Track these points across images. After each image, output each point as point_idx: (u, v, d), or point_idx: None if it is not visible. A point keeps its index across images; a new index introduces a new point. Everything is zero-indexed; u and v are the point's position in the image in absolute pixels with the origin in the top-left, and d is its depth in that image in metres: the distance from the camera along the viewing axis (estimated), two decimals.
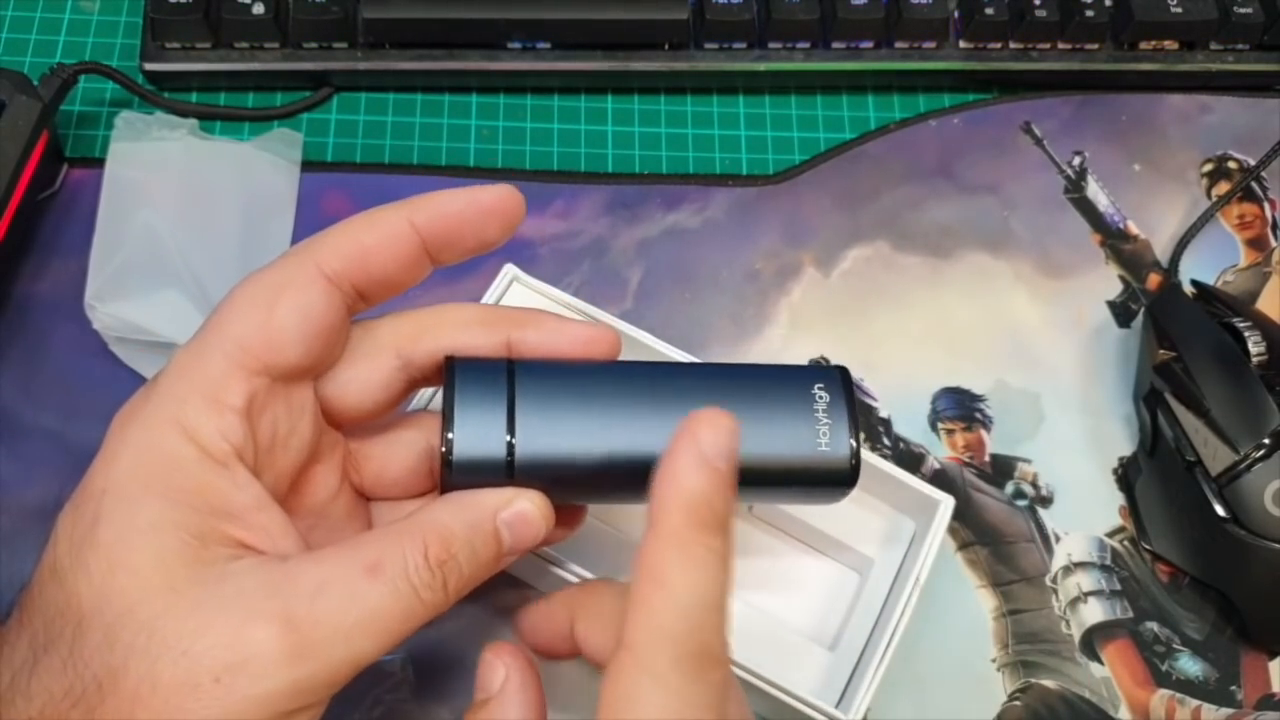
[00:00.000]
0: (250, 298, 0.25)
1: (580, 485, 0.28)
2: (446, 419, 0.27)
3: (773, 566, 0.38)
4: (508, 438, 0.27)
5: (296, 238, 0.43)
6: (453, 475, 0.27)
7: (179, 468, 0.24)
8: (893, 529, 0.37)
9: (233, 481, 0.24)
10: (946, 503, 0.36)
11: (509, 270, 0.38)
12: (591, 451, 0.27)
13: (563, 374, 0.28)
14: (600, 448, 0.27)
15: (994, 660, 0.39)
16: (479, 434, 0.27)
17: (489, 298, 0.37)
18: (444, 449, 0.26)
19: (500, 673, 0.26)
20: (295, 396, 0.26)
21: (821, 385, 0.29)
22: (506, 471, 0.27)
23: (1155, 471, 0.41)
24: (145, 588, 0.22)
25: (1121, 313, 0.45)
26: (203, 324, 0.25)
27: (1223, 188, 0.48)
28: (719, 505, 0.23)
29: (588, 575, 0.34)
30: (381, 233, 0.27)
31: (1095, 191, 0.47)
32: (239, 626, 0.22)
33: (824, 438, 0.28)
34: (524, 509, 0.26)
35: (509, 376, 0.27)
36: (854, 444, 0.29)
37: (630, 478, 0.27)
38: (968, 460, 0.42)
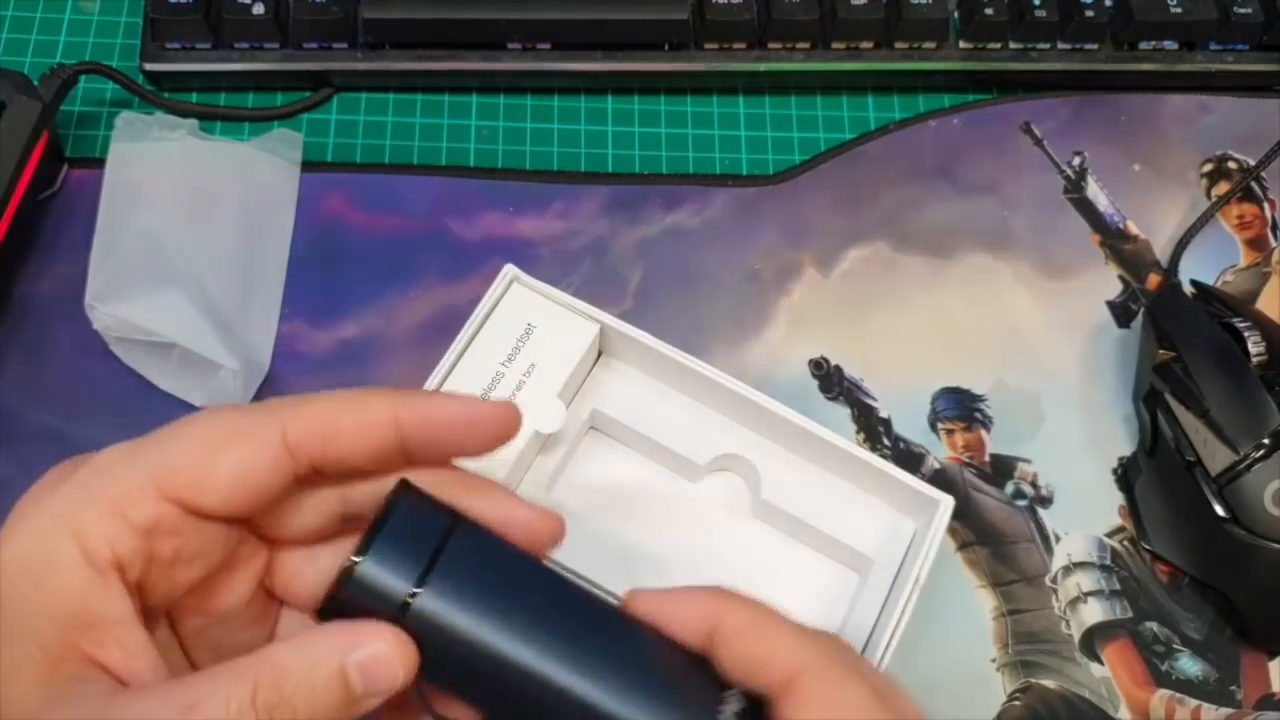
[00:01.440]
0: (203, 433, 0.24)
1: (459, 676, 0.24)
2: (364, 541, 0.24)
3: (772, 566, 0.38)
4: (412, 588, 0.24)
5: (296, 238, 0.43)
6: (339, 596, 0.24)
7: (55, 568, 0.23)
8: (892, 529, 0.37)
9: (104, 592, 0.23)
10: (946, 503, 0.36)
11: (509, 271, 0.38)
12: (487, 648, 0.24)
13: (498, 559, 0.25)
14: (497, 648, 0.24)
15: (994, 660, 0.39)
16: (387, 569, 0.24)
17: (489, 298, 0.37)
18: (344, 566, 0.24)
19: None
20: (212, 528, 0.25)
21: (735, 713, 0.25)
22: (394, 620, 0.24)
23: (1155, 471, 0.41)
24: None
25: (1121, 313, 0.45)
26: (150, 435, 0.24)
27: (1222, 188, 0.48)
28: None
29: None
30: (360, 418, 0.25)
31: (1095, 192, 0.47)
32: None
33: None
34: (378, 651, 0.23)
35: (446, 533, 0.25)
36: None
37: (517, 694, 0.24)
38: (968, 460, 0.42)
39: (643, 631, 0.26)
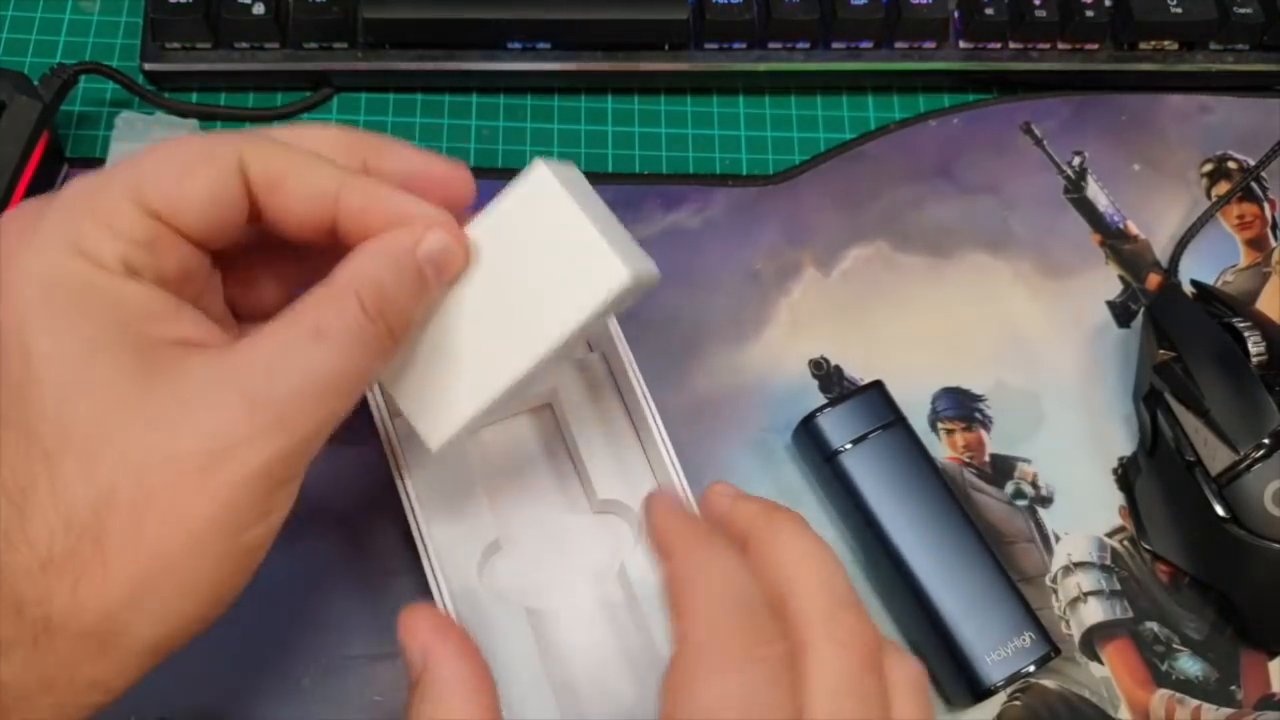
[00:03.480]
0: (168, 155, 0.25)
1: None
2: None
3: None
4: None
5: None
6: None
7: (90, 288, 0.24)
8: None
9: (146, 290, 0.24)
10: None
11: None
12: None
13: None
14: None
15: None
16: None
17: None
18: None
19: (419, 656, 0.27)
20: (190, 249, 0.26)
21: None
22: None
23: (1155, 471, 0.41)
24: (107, 410, 0.23)
25: (1121, 313, 0.45)
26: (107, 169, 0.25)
27: (1223, 188, 0.48)
28: (703, 526, 0.29)
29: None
30: (304, 184, 0.26)
31: (1095, 191, 0.47)
32: (209, 419, 0.23)
33: None
34: (437, 239, 0.27)
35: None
36: None
37: None
38: (968, 460, 0.42)
39: None
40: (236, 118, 0.45)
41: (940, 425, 0.43)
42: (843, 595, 0.26)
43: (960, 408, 0.43)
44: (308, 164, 0.26)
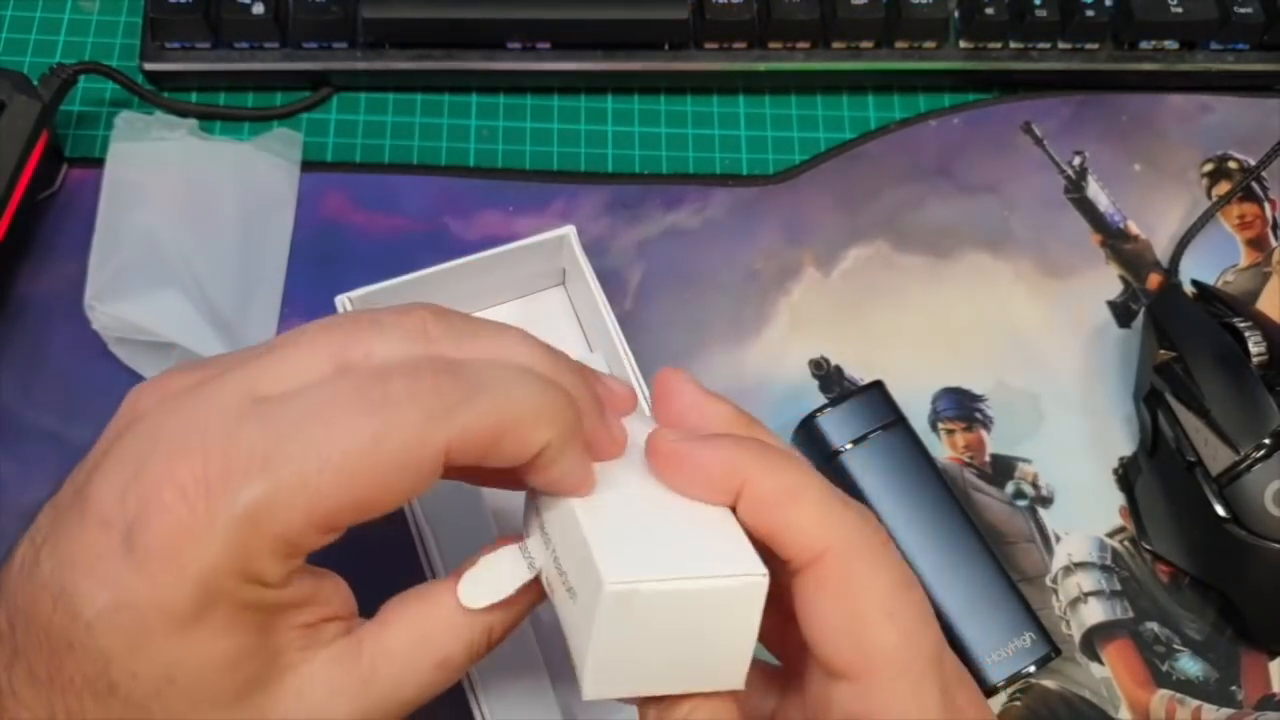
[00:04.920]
0: (353, 463, 0.22)
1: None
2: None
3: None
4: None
5: (296, 238, 0.43)
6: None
7: (234, 607, 0.22)
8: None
9: (291, 591, 0.23)
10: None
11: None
12: None
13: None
14: None
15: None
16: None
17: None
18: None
19: None
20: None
21: None
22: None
23: (1155, 472, 0.41)
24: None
25: (1122, 313, 0.45)
26: (277, 436, 0.22)
27: (1223, 188, 0.48)
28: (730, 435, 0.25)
29: None
30: (531, 430, 0.23)
31: (1095, 191, 0.47)
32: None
33: None
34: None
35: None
36: None
37: None
38: (968, 460, 0.42)
39: None
40: (236, 117, 0.45)
41: (940, 425, 0.43)
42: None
43: (960, 408, 0.43)
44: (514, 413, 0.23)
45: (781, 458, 0.25)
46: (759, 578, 0.23)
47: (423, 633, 0.24)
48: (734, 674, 0.24)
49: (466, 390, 0.22)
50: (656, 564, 0.23)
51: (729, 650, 0.23)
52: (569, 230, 0.39)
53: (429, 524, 0.34)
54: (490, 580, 0.25)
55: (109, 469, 0.22)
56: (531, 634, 0.36)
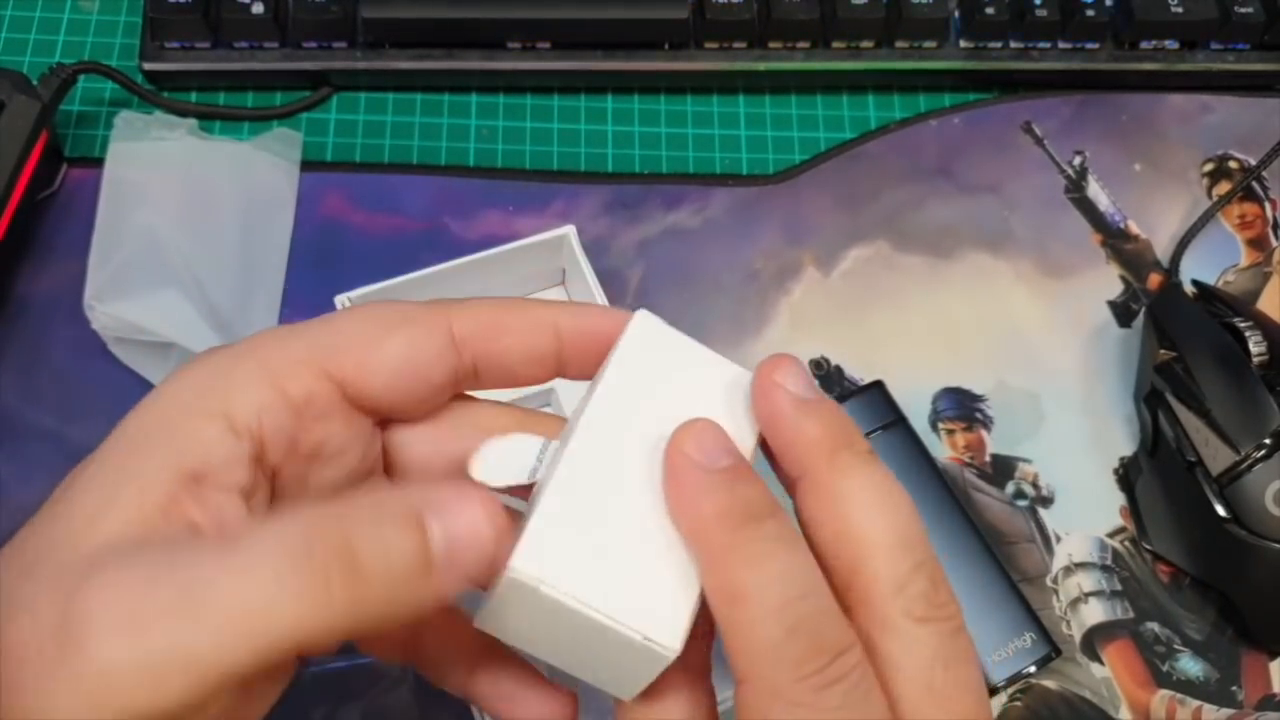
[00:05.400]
0: (367, 316, 0.23)
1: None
2: None
3: None
4: None
5: (296, 238, 0.43)
6: None
7: (194, 420, 0.21)
8: None
9: (230, 456, 0.21)
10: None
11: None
12: None
13: None
14: None
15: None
16: None
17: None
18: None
19: None
20: (358, 423, 0.24)
21: None
22: None
23: (1156, 471, 0.41)
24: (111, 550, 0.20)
25: (1122, 313, 0.45)
26: (312, 319, 0.23)
27: (1223, 187, 0.48)
28: (749, 496, 0.21)
29: None
30: (525, 321, 0.25)
31: (1096, 191, 0.47)
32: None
33: None
34: (470, 516, 0.22)
35: None
36: None
37: None
38: (968, 460, 0.42)
39: None
40: (236, 117, 0.45)
41: (941, 425, 0.43)
42: (923, 552, 0.22)
43: (961, 408, 0.43)
44: (518, 305, 0.25)
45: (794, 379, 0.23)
46: (666, 652, 0.21)
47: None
48: (630, 690, 0.23)
49: (471, 299, 0.24)
50: (580, 573, 0.21)
51: (626, 676, 0.22)
52: (569, 230, 0.39)
53: None
54: (501, 464, 0.23)
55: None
56: None
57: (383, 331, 0.23)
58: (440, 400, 0.25)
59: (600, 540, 0.21)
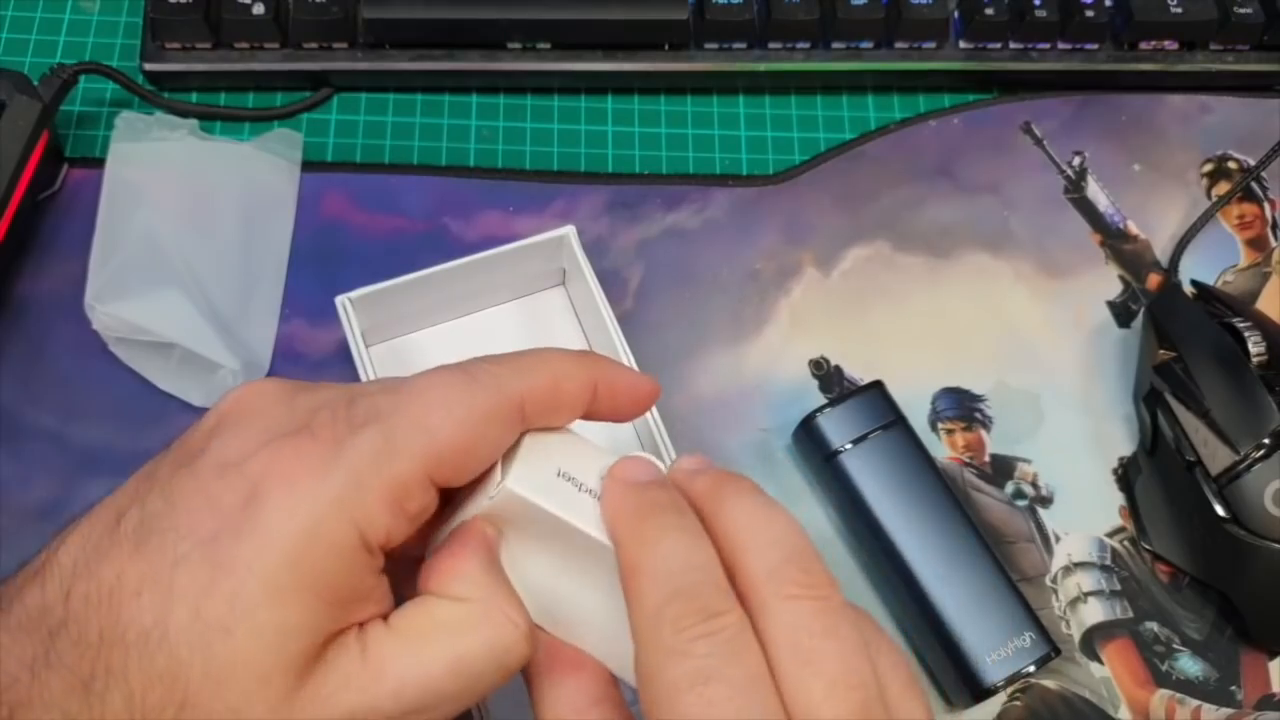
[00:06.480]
0: (462, 416, 0.25)
1: None
2: None
3: None
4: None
5: (297, 238, 0.43)
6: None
7: (338, 561, 0.23)
8: None
9: (371, 569, 0.24)
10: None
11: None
12: None
13: None
14: None
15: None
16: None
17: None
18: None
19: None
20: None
21: None
22: None
23: (1155, 471, 0.41)
24: (261, 697, 0.22)
25: (1121, 313, 0.45)
26: (400, 406, 0.24)
27: (1223, 188, 0.48)
28: (656, 496, 0.25)
29: None
30: (577, 387, 0.26)
31: (1095, 191, 0.47)
32: None
33: None
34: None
35: None
36: None
37: None
38: (968, 460, 0.42)
39: None
40: (237, 118, 0.45)
41: (940, 425, 0.43)
42: (794, 548, 0.24)
43: (960, 408, 0.43)
44: (572, 372, 0.26)
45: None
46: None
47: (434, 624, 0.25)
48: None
49: (527, 363, 0.26)
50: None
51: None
52: (569, 230, 0.39)
53: None
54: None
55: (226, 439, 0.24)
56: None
57: (476, 437, 0.25)
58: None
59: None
